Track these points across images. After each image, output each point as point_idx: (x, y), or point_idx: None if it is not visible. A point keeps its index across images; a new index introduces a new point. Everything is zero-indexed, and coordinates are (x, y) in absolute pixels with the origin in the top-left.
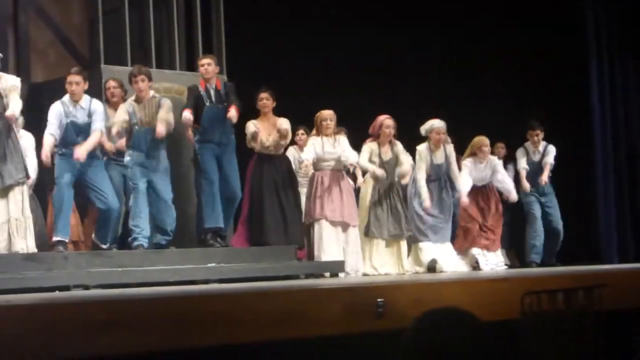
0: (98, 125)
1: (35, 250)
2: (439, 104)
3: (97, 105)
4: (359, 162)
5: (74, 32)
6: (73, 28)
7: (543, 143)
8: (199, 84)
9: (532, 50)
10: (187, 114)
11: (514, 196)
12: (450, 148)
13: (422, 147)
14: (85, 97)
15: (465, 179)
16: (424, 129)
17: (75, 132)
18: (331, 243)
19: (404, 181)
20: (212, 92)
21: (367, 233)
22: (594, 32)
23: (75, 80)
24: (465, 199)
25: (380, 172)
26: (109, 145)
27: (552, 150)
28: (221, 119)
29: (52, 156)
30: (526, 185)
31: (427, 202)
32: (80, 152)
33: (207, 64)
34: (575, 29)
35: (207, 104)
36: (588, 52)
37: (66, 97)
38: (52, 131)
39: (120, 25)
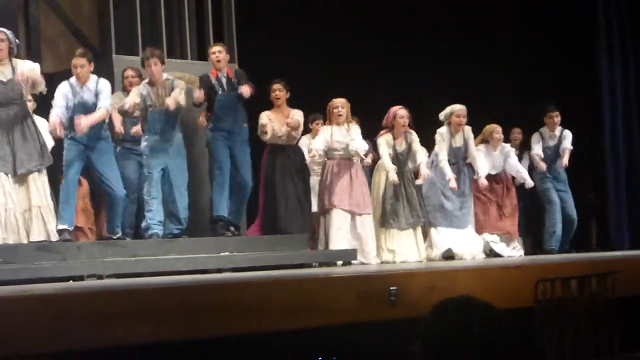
0: (103, 104)
1: (57, 236)
2: (452, 92)
3: (103, 84)
4: (382, 159)
5: (84, 23)
6: (84, 18)
7: (559, 128)
8: (210, 73)
9: (544, 39)
10: (197, 93)
11: (529, 182)
12: (469, 130)
13: (442, 129)
14: (92, 78)
15: (482, 161)
16: (443, 114)
17: (83, 112)
18: (341, 232)
19: (418, 181)
20: (224, 81)
21: (384, 224)
22: (604, 21)
23: (80, 63)
24: (484, 180)
25: (394, 176)
26: (118, 128)
27: (568, 135)
28: (233, 107)
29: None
30: (542, 165)
31: (452, 183)
32: (82, 123)
33: (218, 52)
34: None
35: (220, 92)
36: (598, 40)
37: (73, 78)
38: (58, 113)
39: (131, 15)
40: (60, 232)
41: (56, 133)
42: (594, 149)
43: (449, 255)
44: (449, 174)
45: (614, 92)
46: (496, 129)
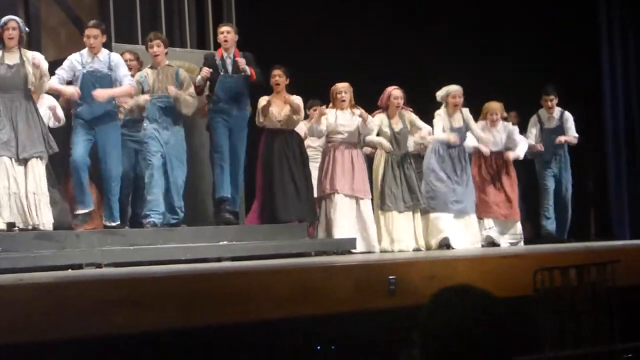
0: (128, 80)
1: (51, 228)
2: (452, 74)
3: (117, 58)
4: (370, 136)
5: (85, 11)
6: (84, 7)
7: (558, 109)
8: (217, 53)
9: (545, 22)
10: (204, 72)
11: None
12: (467, 112)
13: (440, 111)
14: (104, 50)
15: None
16: (439, 95)
17: (92, 82)
18: (343, 217)
19: (425, 141)
20: (229, 62)
21: (383, 207)
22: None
23: (94, 34)
24: (485, 149)
25: (387, 144)
26: (127, 105)
27: (570, 118)
28: (236, 90)
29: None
30: (537, 147)
31: (452, 137)
32: (102, 93)
33: (227, 32)
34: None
35: (222, 73)
36: (599, 31)
37: (84, 50)
38: (59, 73)
39: (131, 3)
40: (78, 215)
41: (63, 96)
42: (594, 138)
43: (445, 244)
44: (446, 136)
45: (615, 82)
46: (492, 109)
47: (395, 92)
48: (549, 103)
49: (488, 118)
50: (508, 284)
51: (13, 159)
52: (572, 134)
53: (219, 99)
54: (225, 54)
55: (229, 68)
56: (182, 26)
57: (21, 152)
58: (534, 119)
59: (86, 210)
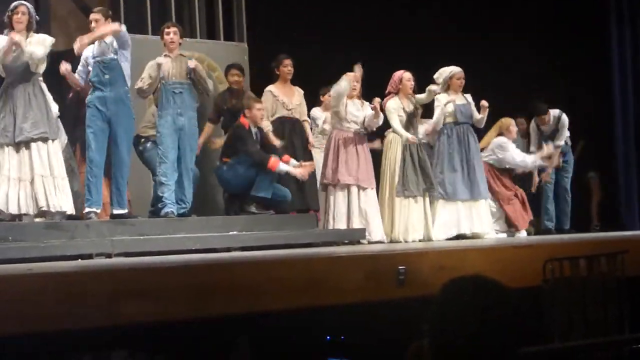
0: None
1: (73, 212)
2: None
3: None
4: (393, 127)
5: (94, 1)
6: None
7: (552, 114)
8: None
9: (552, 16)
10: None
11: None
12: (469, 97)
13: (441, 96)
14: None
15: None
16: (441, 77)
17: (102, 70)
18: (343, 207)
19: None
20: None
21: (401, 192)
22: None
23: (95, 18)
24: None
25: (412, 138)
26: None
27: (565, 122)
28: None
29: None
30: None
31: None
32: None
33: None
34: None
35: None
36: (608, 16)
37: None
38: (79, 71)
39: None
40: (90, 213)
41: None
42: (604, 128)
43: (457, 235)
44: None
45: (624, 71)
46: (512, 123)
47: (407, 75)
48: (546, 118)
49: (509, 131)
50: (517, 274)
51: (12, 145)
52: (562, 138)
53: None
54: None
55: None
56: (192, 16)
57: (17, 135)
58: (532, 125)
59: (93, 210)
